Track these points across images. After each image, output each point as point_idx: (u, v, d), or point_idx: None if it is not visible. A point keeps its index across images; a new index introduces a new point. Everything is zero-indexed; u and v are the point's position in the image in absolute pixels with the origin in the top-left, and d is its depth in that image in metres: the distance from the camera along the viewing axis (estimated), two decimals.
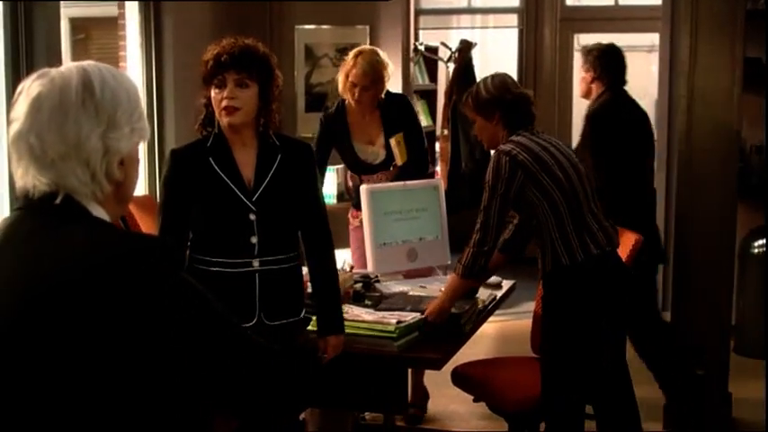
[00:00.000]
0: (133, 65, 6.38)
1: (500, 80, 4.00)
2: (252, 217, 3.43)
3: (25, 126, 1.76)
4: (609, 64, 5.37)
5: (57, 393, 1.66)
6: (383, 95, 4.99)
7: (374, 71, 4.86)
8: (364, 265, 4.64)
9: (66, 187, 1.76)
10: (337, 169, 6.38)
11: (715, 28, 5.04)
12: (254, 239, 3.43)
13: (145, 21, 6.51)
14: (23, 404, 1.68)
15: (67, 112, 1.76)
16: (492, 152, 3.96)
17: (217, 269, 3.43)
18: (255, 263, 3.43)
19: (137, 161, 1.87)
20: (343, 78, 4.91)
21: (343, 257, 4.56)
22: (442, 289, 4.06)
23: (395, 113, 5.02)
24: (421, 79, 8.69)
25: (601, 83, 5.38)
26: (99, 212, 1.80)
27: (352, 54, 4.94)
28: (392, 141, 4.94)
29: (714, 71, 5.09)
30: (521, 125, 3.93)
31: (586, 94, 5.46)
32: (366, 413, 4.99)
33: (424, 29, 10.07)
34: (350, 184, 5.19)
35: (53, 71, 1.82)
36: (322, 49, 7.56)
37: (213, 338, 1.82)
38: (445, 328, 3.82)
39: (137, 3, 6.51)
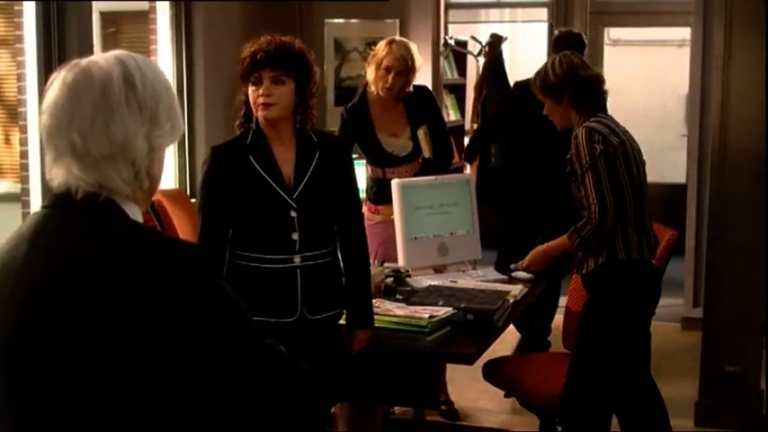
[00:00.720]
0: (164, 59, 6.41)
1: (568, 62, 3.97)
2: (293, 214, 3.45)
3: (64, 121, 1.70)
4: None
5: (64, 392, 1.64)
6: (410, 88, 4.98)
7: (409, 57, 4.86)
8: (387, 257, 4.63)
9: (109, 187, 1.72)
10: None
11: (750, 22, 4.98)
12: (294, 236, 3.45)
13: (175, 16, 6.54)
14: (32, 400, 1.67)
15: (112, 108, 1.70)
16: (575, 133, 3.92)
17: (258, 265, 3.45)
18: (297, 259, 3.46)
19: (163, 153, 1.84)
20: (374, 67, 4.88)
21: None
22: (475, 283, 4.10)
23: (419, 105, 5.00)
24: (450, 73, 8.66)
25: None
26: (132, 210, 1.77)
27: (383, 43, 4.92)
28: (420, 133, 4.92)
29: (749, 66, 5.04)
30: (592, 107, 3.93)
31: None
32: (395, 407, 4.98)
33: (452, 23, 10.03)
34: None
35: (86, 61, 1.75)
36: (351, 42, 7.55)
37: (239, 352, 1.74)
38: (477, 324, 3.80)
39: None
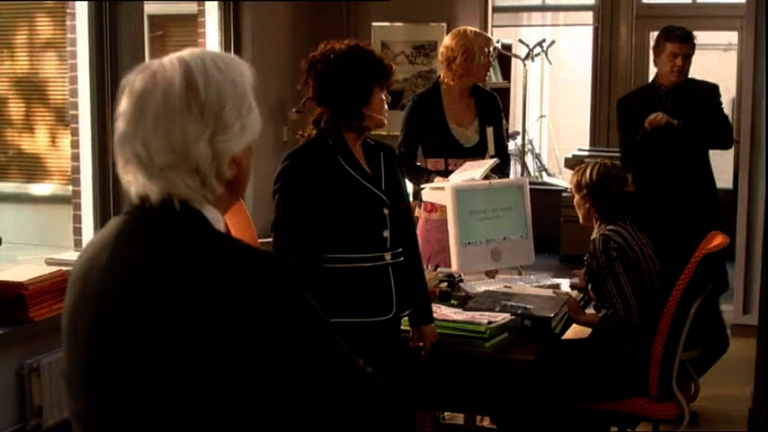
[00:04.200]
0: None
1: (605, 172, 4.16)
2: (385, 211, 3.49)
3: (130, 129, 1.69)
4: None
5: (143, 401, 1.63)
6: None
7: None
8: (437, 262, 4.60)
9: (178, 195, 1.69)
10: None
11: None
12: (386, 233, 3.49)
13: (224, 18, 6.56)
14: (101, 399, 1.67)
15: (173, 116, 1.66)
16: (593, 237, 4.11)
17: (352, 265, 3.45)
18: (388, 256, 3.50)
19: (251, 151, 1.78)
20: (476, 54, 4.93)
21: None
22: (530, 288, 4.17)
23: (486, 107, 5.05)
24: (495, 77, 8.64)
25: None
26: (213, 215, 1.73)
27: (458, 34, 5.00)
28: (489, 131, 4.94)
29: None
30: (614, 217, 4.12)
31: None
32: (446, 413, 4.95)
33: (496, 26, 10.02)
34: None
35: (155, 64, 1.72)
36: (398, 46, 7.54)
37: (320, 368, 1.71)
38: (535, 330, 3.78)
39: (216, 1, 6.55)
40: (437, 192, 4.68)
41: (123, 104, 1.71)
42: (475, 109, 5.02)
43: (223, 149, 1.70)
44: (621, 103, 5.72)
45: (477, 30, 5.06)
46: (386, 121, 3.51)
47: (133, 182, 1.71)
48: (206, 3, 6.53)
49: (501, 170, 4.90)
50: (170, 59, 1.72)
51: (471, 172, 4.64)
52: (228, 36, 6.56)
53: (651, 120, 5.19)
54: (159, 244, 1.69)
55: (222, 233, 1.74)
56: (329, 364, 1.73)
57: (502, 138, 5.13)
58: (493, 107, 5.09)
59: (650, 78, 9.98)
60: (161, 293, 1.63)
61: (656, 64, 5.48)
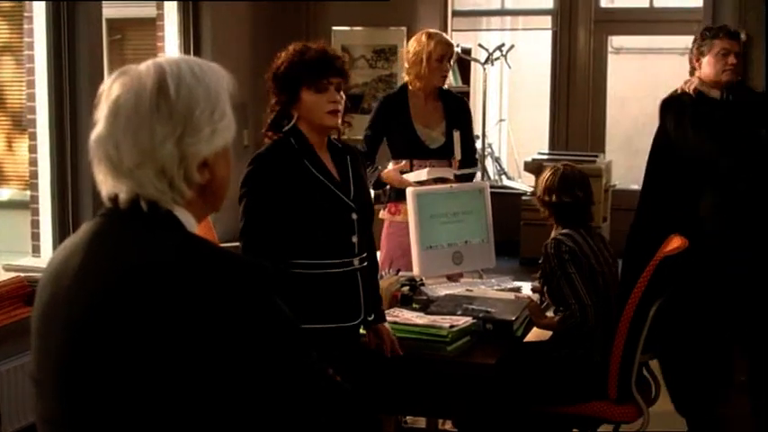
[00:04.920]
0: None
1: (568, 176, 4.17)
2: (354, 216, 3.48)
3: (104, 131, 1.71)
4: None
5: (114, 404, 1.62)
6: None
7: (451, 42, 5.03)
8: (400, 266, 4.61)
9: (146, 196, 1.70)
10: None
11: (763, 28, 4.98)
12: (354, 238, 3.49)
13: (184, 22, 6.53)
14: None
15: (142, 117, 1.68)
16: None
17: (320, 271, 3.43)
18: (356, 261, 3.51)
19: (226, 158, 1.78)
20: (423, 61, 4.89)
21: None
22: (491, 291, 4.21)
23: (454, 111, 5.05)
24: (455, 81, 8.66)
25: None
26: (184, 216, 1.74)
27: (420, 37, 4.96)
28: (455, 134, 4.94)
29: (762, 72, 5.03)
30: (571, 222, 4.14)
31: None
32: (408, 417, 4.95)
33: (456, 30, 10.06)
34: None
35: (133, 69, 1.74)
36: (358, 50, 7.54)
37: (285, 371, 1.71)
38: (496, 333, 3.80)
39: (175, 4, 6.52)
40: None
41: (100, 109, 1.73)
42: (443, 112, 5.01)
43: (191, 152, 1.71)
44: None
45: (440, 33, 5.02)
46: (332, 122, 3.44)
47: (104, 182, 1.73)
48: (165, 6, 6.50)
49: (468, 176, 4.92)
50: (147, 64, 1.75)
51: (446, 170, 4.75)
52: (188, 40, 6.54)
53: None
54: (130, 247, 1.69)
55: (193, 234, 1.74)
56: (297, 371, 1.74)
57: (471, 143, 5.15)
58: (461, 112, 5.09)
59: (608, 84, 10.17)
60: (134, 300, 1.62)
61: (693, 72, 4.89)
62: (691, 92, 4.76)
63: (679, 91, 4.85)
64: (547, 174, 4.22)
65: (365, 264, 3.56)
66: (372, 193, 5.82)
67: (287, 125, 3.47)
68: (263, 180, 3.40)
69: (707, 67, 4.79)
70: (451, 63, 5.07)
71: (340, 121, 3.47)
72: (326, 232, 3.43)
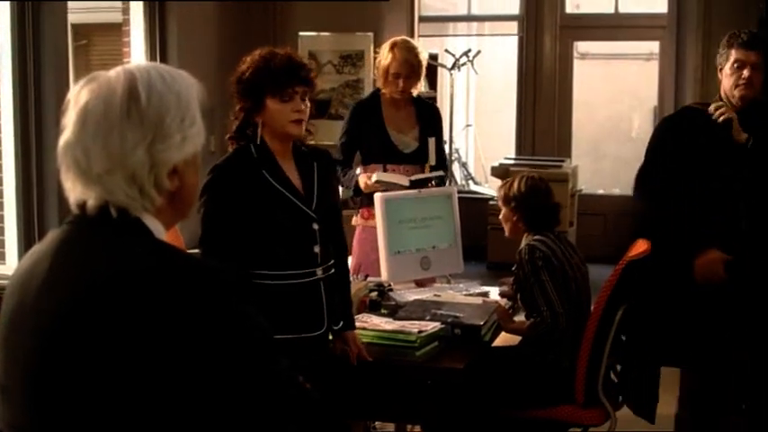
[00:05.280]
0: None
1: (534, 185, 4.19)
2: (315, 226, 3.44)
3: (72, 137, 1.70)
4: None
5: (83, 411, 1.61)
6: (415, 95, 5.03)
7: (413, 58, 4.89)
8: (373, 271, 4.60)
9: (116, 203, 1.69)
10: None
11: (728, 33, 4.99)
12: (316, 249, 3.45)
13: (149, 27, 6.50)
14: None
15: (112, 123, 1.67)
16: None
17: (281, 282, 3.40)
18: (319, 271, 3.47)
19: (194, 166, 1.78)
20: (382, 73, 4.90)
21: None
22: (459, 296, 4.20)
23: (427, 118, 5.06)
24: (421, 87, 8.66)
25: None
26: (153, 224, 1.74)
27: (386, 47, 4.94)
28: (430, 141, 4.96)
29: None
30: (541, 228, 4.15)
31: None
32: (377, 422, 4.95)
33: (422, 36, 10.07)
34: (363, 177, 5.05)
35: (102, 76, 1.74)
36: (325, 56, 7.54)
37: (252, 378, 1.70)
38: (465, 338, 3.80)
39: (141, 8, 6.49)
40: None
41: (69, 115, 1.73)
42: (415, 117, 5.02)
43: (162, 159, 1.71)
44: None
45: (405, 49, 4.92)
46: (296, 131, 3.40)
47: (72, 189, 1.72)
48: (131, 11, 6.47)
49: (440, 180, 4.96)
50: (117, 71, 1.75)
51: (400, 176, 4.73)
52: (154, 44, 6.51)
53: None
54: (100, 255, 1.68)
55: (162, 242, 1.74)
56: (267, 379, 1.73)
57: (442, 149, 5.18)
58: (432, 118, 5.12)
59: (574, 89, 10.22)
60: (104, 308, 1.61)
61: (719, 82, 4.43)
62: (720, 121, 4.26)
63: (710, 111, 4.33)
64: (515, 182, 4.24)
65: (331, 272, 3.53)
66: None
67: (251, 132, 3.46)
68: (221, 190, 3.35)
69: (724, 79, 4.34)
70: (415, 80, 4.94)
71: (304, 129, 3.44)
72: (286, 245, 3.40)
